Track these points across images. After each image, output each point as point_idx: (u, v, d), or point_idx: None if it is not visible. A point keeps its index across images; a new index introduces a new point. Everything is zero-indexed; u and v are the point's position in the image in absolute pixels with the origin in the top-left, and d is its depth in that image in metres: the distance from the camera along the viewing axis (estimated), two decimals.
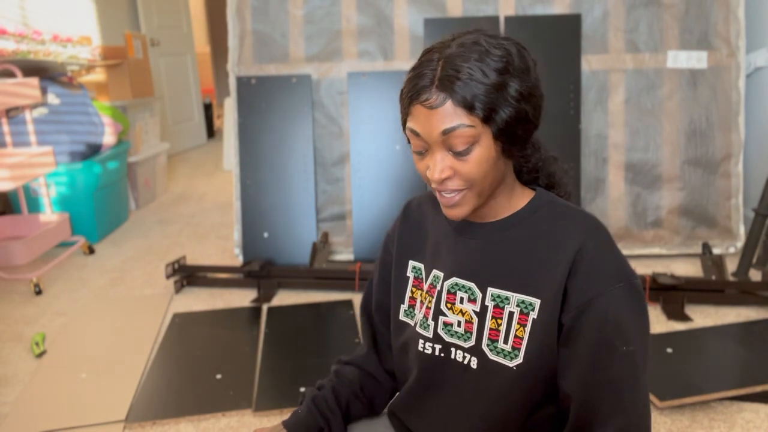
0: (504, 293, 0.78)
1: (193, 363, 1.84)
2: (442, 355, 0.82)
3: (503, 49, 0.72)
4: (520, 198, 0.82)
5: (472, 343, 0.79)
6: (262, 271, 2.35)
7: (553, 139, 2.49)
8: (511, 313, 0.77)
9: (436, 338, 0.83)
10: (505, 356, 0.77)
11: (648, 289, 2.09)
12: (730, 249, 2.54)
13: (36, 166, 2.51)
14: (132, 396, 1.65)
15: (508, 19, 2.48)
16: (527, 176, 0.86)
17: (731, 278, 2.28)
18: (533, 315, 0.76)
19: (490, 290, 0.79)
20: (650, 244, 2.56)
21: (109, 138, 3.12)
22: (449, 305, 0.82)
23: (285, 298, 2.29)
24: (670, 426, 1.44)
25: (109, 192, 3.15)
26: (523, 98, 0.72)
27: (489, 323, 0.78)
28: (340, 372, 0.96)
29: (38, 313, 2.24)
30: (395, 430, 0.92)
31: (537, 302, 0.75)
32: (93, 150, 3.04)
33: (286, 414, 1.54)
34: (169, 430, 1.51)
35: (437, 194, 0.77)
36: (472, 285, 0.81)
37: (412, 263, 0.90)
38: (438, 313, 0.83)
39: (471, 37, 0.73)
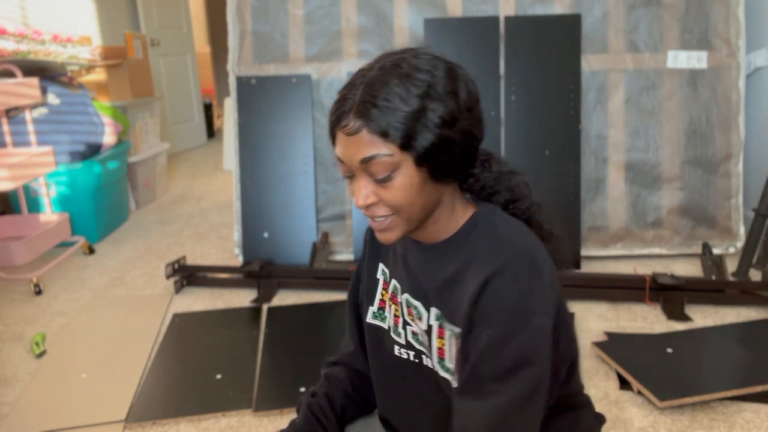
0: (441, 316, 0.78)
1: (193, 363, 1.84)
2: (416, 360, 0.83)
3: (427, 72, 0.69)
4: (462, 218, 0.79)
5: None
6: (262, 271, 2.35)
7: (553, 139, 2.49)
8: (449, 335, 0.77)
9: (408, 345, 0.84)
10: (451, 375, 0.77)
11: (648, 289, 2.09)
12: (730, 249, 2.54)
13: (36, 166, 2.51)
14: (132, 396, 1.65)
15: (508, 19, 2.48)
16: (482, 193, 0.83)
17: (731, 278, 2.28)
18: (457, 344, 0.76)
19: (433, 310, 0.79)
20: (650, 244, 2.56)
21: (109, 138, 3.12)
22: (410, 317, 0.83)
23: (285, 298, 2.29)
24: (670, 426, 1.44)
25: (109, 192, 3.15)
26: (446, 124, 0.69)
27: (436, 342, 0.79)
28: (330, 375, 0.96)
29: (38, 313, 2.24)
30: (386, 430, 0.93)
31: (457, 331, 0.75)
32: (93, 150, 3.04)
33: (286, 414, 1.54)
34: (169, 430, 1.51)
35: (369, 219, 0.76)
36: (419, 304, 0.81)
37: (381, 266, 0.90)
38: (405, 322, 0.84)
39: (395, 59, 0.71)
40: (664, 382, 1.56)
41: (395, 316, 0.86)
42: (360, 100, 0.69)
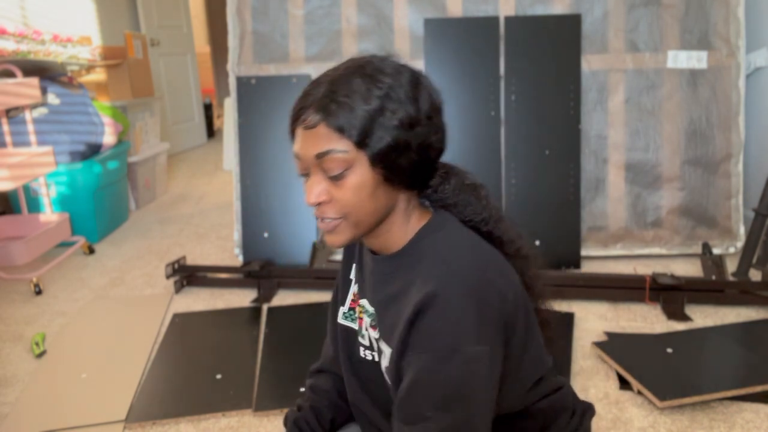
0: (379, 334, 0.79)
1: (193, 363, 1.84)
2: (379, 361, 0.84)
3: (390, 76, 0.71)
4: (414, 231, 0.78)
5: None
6: (262, 271, 2.35)
7: (553, 139, 2.49)
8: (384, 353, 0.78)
9: (371, 346, 0.85)
10: (393, 387, 0.77)
11: (648, 289, 2.09)
12: (730, 249, 2.54)
13: (36, 166, 2.51)
14: (132, 396, 1.65)
15: (508, 19, 2.48)
16: (439, 204, 0.81)
17: (731, 278, 2.28)
18: (384, 362, 0.76)
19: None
20: (650, 244, 2.56)
21: (109, 138, 3.12)
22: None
23: (285, 298, 2.29)
24: (670, 426, 1.44)
25: (109, 192, 3.15)
26: (403, 127, 0.70)
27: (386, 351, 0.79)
28: (315, 386, 0.96)
29: (38, 313, 2.24)
30: (357, 418, 0.93)
31: (388, 351, 0.75)
32: (93, 150, 3.04)
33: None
34: (169, 430, 1.51)
35: (317, 220, 0.75)
36: (374, 312, 0.82)
37: (354, 266, 0.90)
38: (368, 324, 0.85)
39: (360, 61, 0.72)
40: (664, 382, 1.56)
41: (359, 318, 0.86)
42: (321, 96, 0.70)
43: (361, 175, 0.70)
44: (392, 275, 0.78)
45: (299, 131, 0.73)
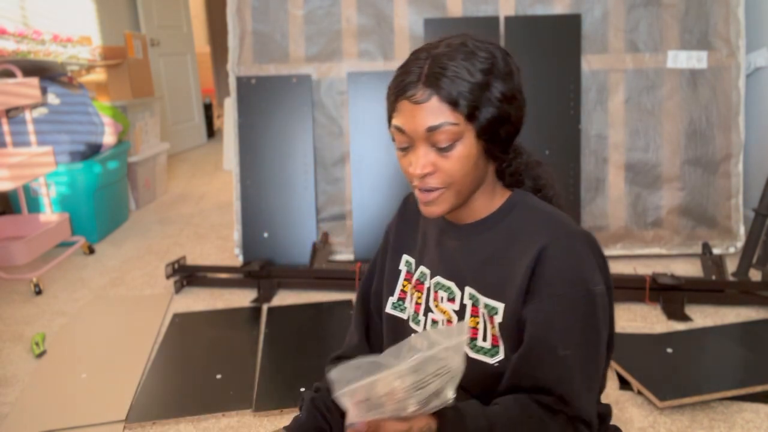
0: (476, 294, 0.80)
1: (193, 363, 1.84)
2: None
3: (488, 52, 0.74)
4: (498, 200, 0.83)
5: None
6: (262, 271, 2.35)
7: (553, 139, 2.49)
8: (483, 313, 0.79)
9: None
10: (485, 354, 0.78)
11: (648, 289, 2.09)
12: (730, 249, 2.54)
13: (36, 166, 2.51)
14: (132, 396, 1.65)
15: (508, 19, 2.48)
16: (510, 179, 0.86)
17: (731, 278, 2.28)
18: (498, 318, 0.77)
19: (467, 289, 0.81)
20: (650, 244, 2.56)
21: (109, 138, 3.12)
22: (435, 303, 0.85)
23: (285, 298, 2.29)
24: (670, 426, 1.44)
25: (109, 192, 3.15)
26: (506, 100, 0.74)
27: (468, 322, 0.80)
28: None
29: (38, 313, 2.24)
30: None
31: (500, 306, 0.77)
32: (93, 150, 3.04)
33: (286, 414, 1.54)
34: (169, 430, 1.51)
35: (416, 191, 0.78)
36: (452, 284, 0.83)
37: (405, 257, 0.92)
38: (427, 309, 0.86)
39: (458, 39, 0.75)
40: (664, 382, 1.56)
41: (416, 303, 0.88)
42: (429, 71, 0.72)
43: (468, 146, 0.74)
44: (486, 238, 0.81)
45: (405, 105, 0.74)
